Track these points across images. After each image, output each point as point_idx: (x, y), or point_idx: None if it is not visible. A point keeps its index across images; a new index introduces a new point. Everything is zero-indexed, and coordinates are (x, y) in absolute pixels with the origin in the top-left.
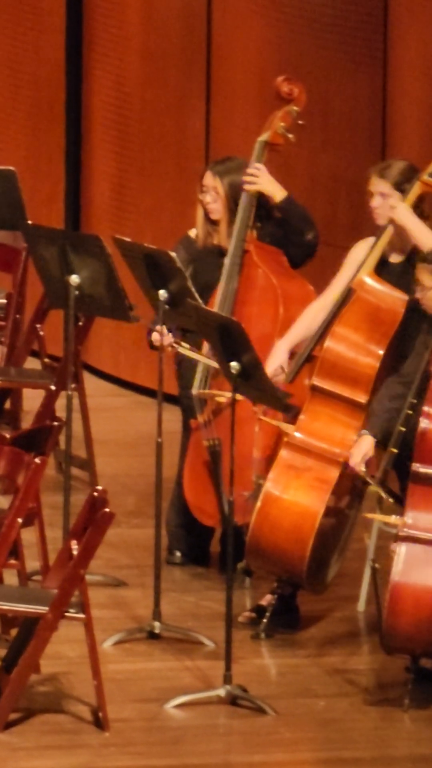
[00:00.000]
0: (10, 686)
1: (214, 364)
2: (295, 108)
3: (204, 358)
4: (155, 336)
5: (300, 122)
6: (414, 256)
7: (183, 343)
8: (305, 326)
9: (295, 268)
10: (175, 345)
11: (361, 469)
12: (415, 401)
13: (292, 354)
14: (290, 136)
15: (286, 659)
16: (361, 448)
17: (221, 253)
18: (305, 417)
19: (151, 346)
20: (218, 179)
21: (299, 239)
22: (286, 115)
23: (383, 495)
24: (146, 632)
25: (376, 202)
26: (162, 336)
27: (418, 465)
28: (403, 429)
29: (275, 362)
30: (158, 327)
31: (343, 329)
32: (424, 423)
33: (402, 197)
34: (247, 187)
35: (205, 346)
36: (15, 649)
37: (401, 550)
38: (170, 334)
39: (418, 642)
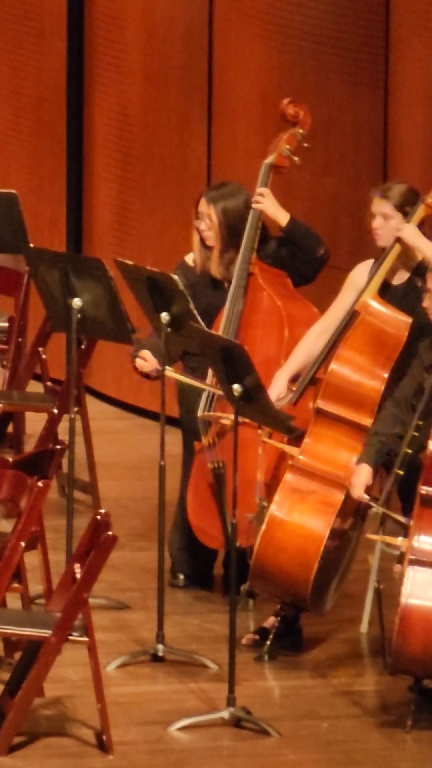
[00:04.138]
0: (14, 710)
1: (205, 387)
2: (300, 130)
3: (192, 381)
4: (140, 362)
5: (305, 145)
6: (416, 275)
7: (168, 368)
8: (305, 353)
9: (307, 283)
10: (160, 370)
11: (365, 497)
12: (420, 423)
13: (296, 377)
14: (295, 158)
15: (289, 681)
16: (361, 479)
17: (215, 279)
18: (310, 440)
19: (138, 371)
20: (212, 206)
21: (311, 257)
22: (292, 138)
23: (395, 517)
24: (150, 655)
25: (377, 223)
26: (146, 361)
27: (426, 488)
28: (409, 451)
29: (276, 391)
30: (142, 353)
31: (347, 352)
32: None
33: (404, 219)
34: (254, 206)
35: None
36: (19, 673)
37: (410, 573)
38: (155, 360)
39: (424, 664)
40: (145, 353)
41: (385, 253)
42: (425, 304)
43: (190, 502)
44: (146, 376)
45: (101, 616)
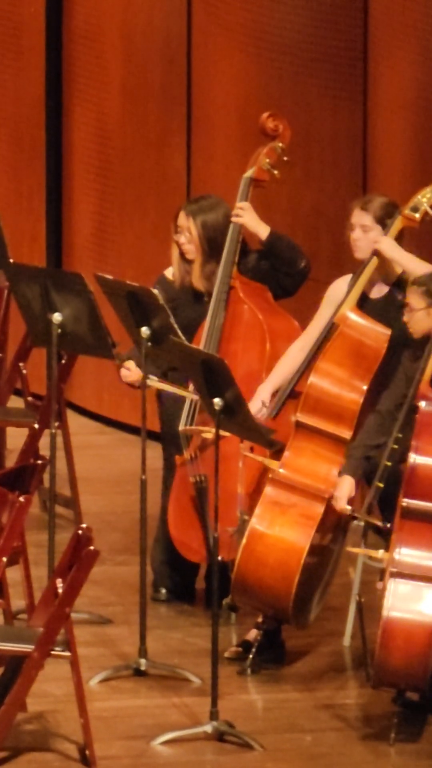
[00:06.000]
0: None
1: (188, 395)
2: (279, 144)
3: (174, 388)
4: (124, 372)
5: (285, 158)
6: (396, 289)
7: (152, 377)
8: (287, 368)
9: (289, 296)
10: (143, 379)
11: (347, 508)
12: (400, 435)
13: (275, 390)
14: (275, 172)
15: (272, 694)
16: (344, 491)
17: (196, 293)
18: (290, 453)
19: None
20: (191, 219)
21: (292, 269)
22: (271, 152)
23: (378, 524)
24: (132, 669)
25: (356, 235)
26: (130, 371)
27: (407, 500)
28: (389, 463)
29: (258, 403)
30: (126, 363)
31: (326, 364)
32: (412, 457)
33: (383, 231)
34: (234, 219)
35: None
36: (1, 688)
37: (392, 586)
38: (138, 370)
39: (406, 677)
40: (129, 363)
41: (363, 266)
42: (405, 318)
43: (171, 516)
44: (131, 385)
45: (83, 631)
